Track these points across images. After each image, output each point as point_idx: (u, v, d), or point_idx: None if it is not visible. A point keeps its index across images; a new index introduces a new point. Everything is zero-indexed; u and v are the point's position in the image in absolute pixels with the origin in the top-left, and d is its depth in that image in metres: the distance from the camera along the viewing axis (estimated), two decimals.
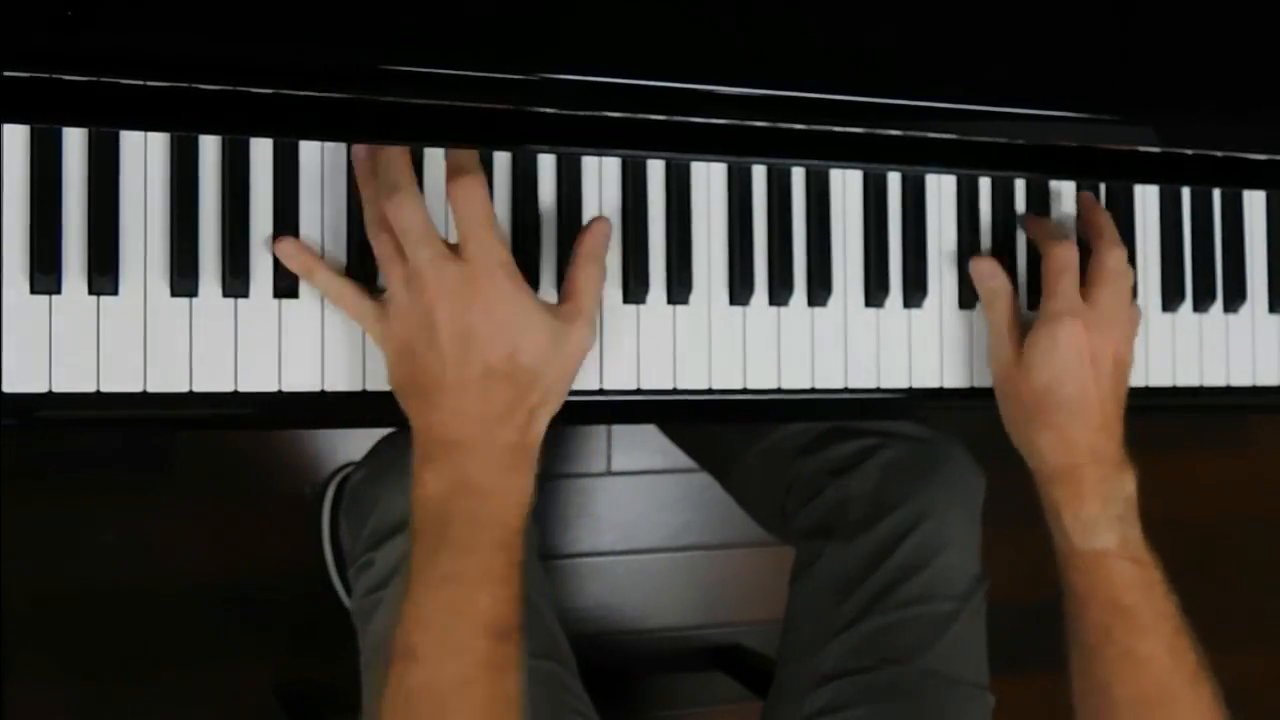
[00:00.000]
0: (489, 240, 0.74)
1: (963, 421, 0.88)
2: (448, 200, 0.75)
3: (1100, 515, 0.84)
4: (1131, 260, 0.96)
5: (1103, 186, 0.96)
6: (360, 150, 0.78)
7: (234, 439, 1.44)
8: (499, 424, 0.74)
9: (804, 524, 1.06)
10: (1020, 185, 0.94)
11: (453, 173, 0.75)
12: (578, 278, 0.79)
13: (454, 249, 0.74)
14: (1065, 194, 0.95)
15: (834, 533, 1.03)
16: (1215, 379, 0.98)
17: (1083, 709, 0.86)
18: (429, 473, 0.74)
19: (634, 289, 0.85)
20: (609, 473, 1.58)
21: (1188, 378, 0.97)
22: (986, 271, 0.89)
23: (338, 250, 0.80)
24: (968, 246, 0.92)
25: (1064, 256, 0.87)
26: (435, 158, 0.81)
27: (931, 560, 0.99)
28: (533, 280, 0.83)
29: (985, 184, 0.93)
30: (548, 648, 0.93)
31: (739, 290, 0.87)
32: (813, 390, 0.89)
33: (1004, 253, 0.93)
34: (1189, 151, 0.97)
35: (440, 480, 0.73)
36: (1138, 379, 0.94)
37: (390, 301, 0.75)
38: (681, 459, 1.39)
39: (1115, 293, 0.87)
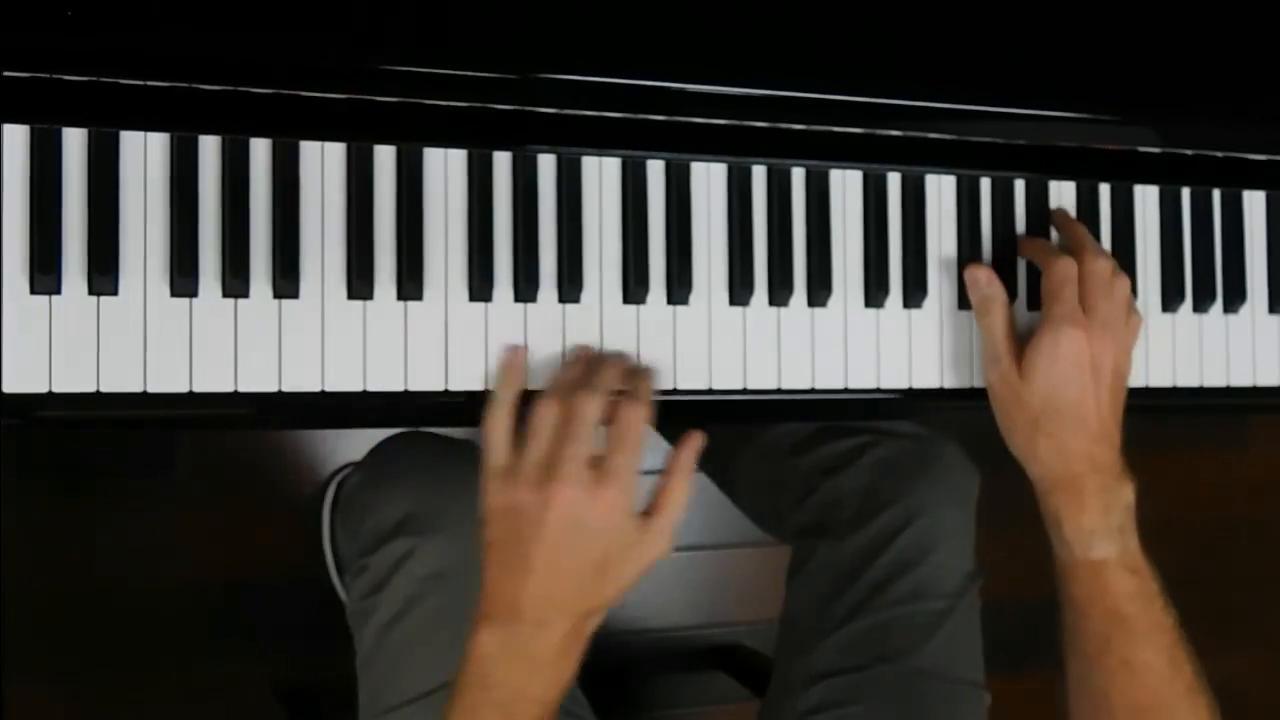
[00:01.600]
0: (631, 466, 0.78)
1: (962, 421, 0.87)
2: (616, 413, 0.79)
3: (1100, 525, 0.84)
4: (1131, 260, 0.96)
5: (1103, 186, 0.96)
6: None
7: (234, 439, 1.44)
8: (569, 615, 0.77)
9: (798, 523, 1.06)
10: (1020, 185, 0.94)
11: (631, 396, 0.79)
12: (672, 491, 0.80)
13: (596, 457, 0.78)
14: (1065, 194, 0.95)
15: (827, 531, 1.03)
16: (1215, 379, 0.98)
17: (1079, 717, 0.86)
18: (488, 634, 0.77)
19: (634, 289, 0.85)
20: None
21: (1188, 378, 0.97)
22: (982, 279, 0.89)
23: (335, 250, 0.80)
24: (968, 247, 0.92)
25: (1065, 269, 0.86)
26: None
27: (924, 558, 0.99)
28: (532, 281, 0.83)
29: (985, 184, 0.93)
30: None
31: (739, 290, 0.87)
32: (813, 390, 0.89)
33: (1004, 254, 0.93)
34: (1189, 151, 0.97)
35: (499, 645, 0.77)
36: (1138, 379, 0.94)
37: (520, 466, 0.77)
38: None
39: (1112, 300, 0.87)
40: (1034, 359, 0.85)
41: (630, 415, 0.78)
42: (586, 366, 0.81)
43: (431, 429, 1.01)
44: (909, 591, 0.99)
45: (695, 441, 0.81)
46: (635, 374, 0.83)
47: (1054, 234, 0.94)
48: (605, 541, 0.77)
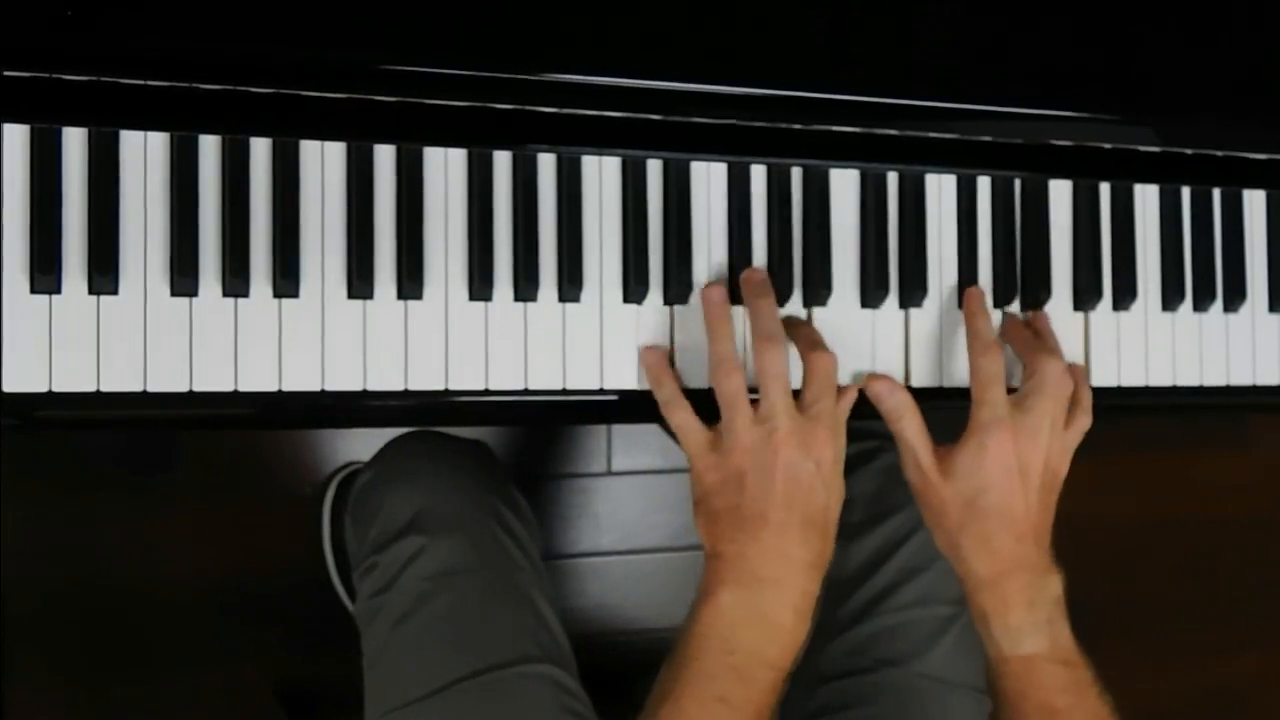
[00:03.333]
0: (834, 405, 0.82)
1: (962, 422, 0.87)
2: (804, 364, 0.83)
3: (1026, 620, 0.83)
4: (1131, 260, 0.96)
5: (1103, 186, 0.96)
6: (715, 293, 0.84)
7: (234, 439, 1.44)
8: (806, 571, 0.80)
9: None
10: (1019, 184, 0.94)
11: (815, 344, 0.84)
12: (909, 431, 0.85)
13: (798, 402, 0.82)
14: (1064, 194, 0.95)
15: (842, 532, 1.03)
16: (1215, 379, 0.98)
17: None
18: (731, 596, 0.79)
19: (634, 289, 0.85)
20: (609, 473, 1.58)
21: (1188, 378, 0.97)
22: (884, 390, 0.86)
23: (335, 249, 0.80)
24: (966, 246, 0.92)
25: (990, 368, 0.85)
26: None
27: (931, 564, 0.99)
28: (532, 281, 0.83)
29: (984, 183, 0.93)
30: (548, 650, 0.93)
31: (739, 290, 0.87)
32: None
33: (1003, 252, 0.93)
34: (1189, 151, 0.97)
35: (741, 607, 0.79)
36: (1139, 379, 0.95)
37: (730, 433, 0.81)
38: (681, 459, 1.39)
39: (1050, 402, 0.85)
40: (958, 462, 0.84)
41: (821, 363, 0.82)
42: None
43: (441, 428, 1.01)
44: (916, 597, 0.99)
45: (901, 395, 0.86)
46: (794, 323, 0.87)
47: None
48: (828, 491, 0.81)
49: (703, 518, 0.82)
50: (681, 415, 0.83)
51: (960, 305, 0.92)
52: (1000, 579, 0.84)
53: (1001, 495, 0.84)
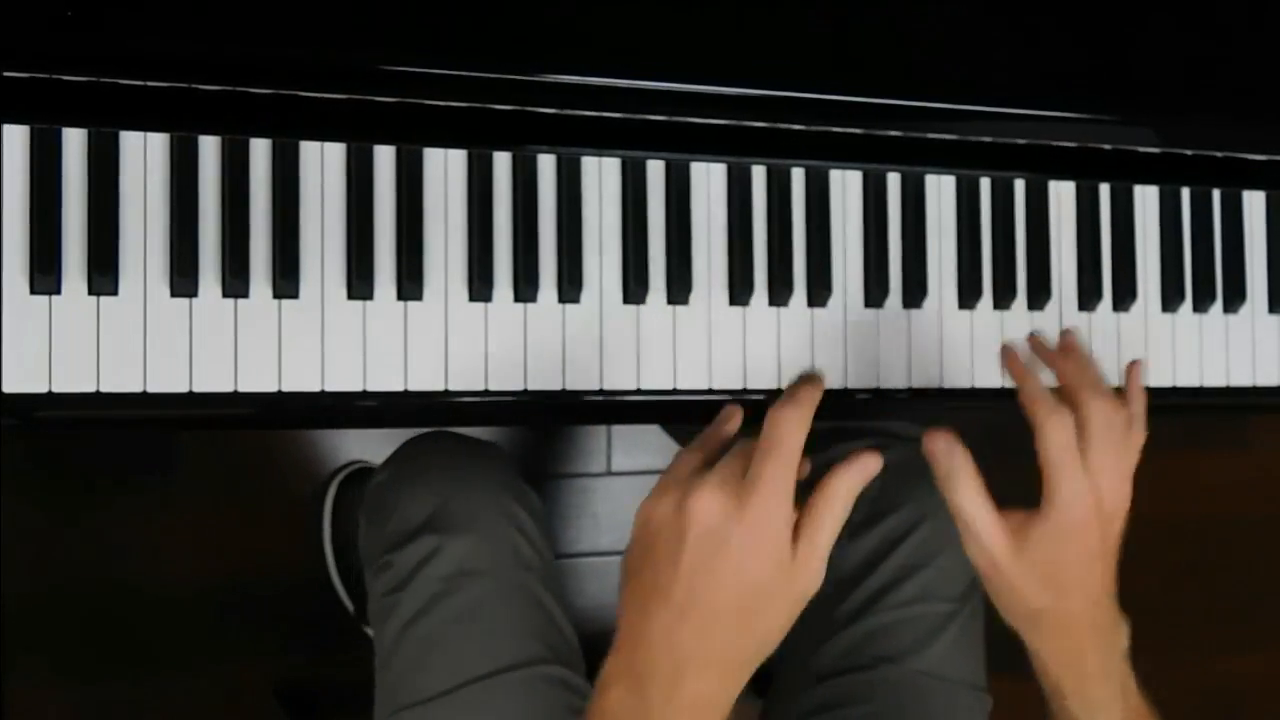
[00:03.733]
0: (780, 476, 0.68)
1: (962, 422, 0.87)
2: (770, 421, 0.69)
3: (1103, 692, 0.78)
4: (1131, 260, 0.96)
5: (1103, 186, 0.96)
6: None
7: (234, 439, 1.44)
8: (713, 669, 0.68)
9: None
10: (1020, 185, 0.94)
11: (787, 396, 0.70)
12: (819, 511, 0.69)
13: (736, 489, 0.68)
14: (1065, 194, 0.95)
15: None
16: (1215, 379, 0.98)
17: None
18: (619, 695, 0.68)
19: (634, 289, 0.85)
20: (609, 473, 1.58)
21: (1188, 378, 0.97)
22: (940, 449, 0.75)
23: (335, 250, 0.80)
24: (967, 247, 0.92)
25: (1062, 436, 0.75)
26: None
27: (931, 560, 0.99)
28: (532, 281, 0.83)
29: (985, 184, 0.93)
30: (557, 650, 0.93)
31: (739, 290, 0.87)
32: None
33: (1003, 253, 0.93)
34: (1189, 151, 0.97)
35: (628, 710, 0.67)
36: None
37: (667, 481, 0.69)
38: None
39: (1118, 443, 0.77)
40: (1037, 543, 0.75)
41: (778, 415, 0.68)
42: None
43: (456, 429, 1.01)
44: (915, 594, 0.99)
45: (870, 464, 0.70)
46: (803, 380, 0.72)
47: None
48: (754, 568, 0.66)
49: (625, 569, 0.70)
50: (684, 458, 0.71)
51: (961, 306, 0.92)
52: (1078, 659, 0.77)
53: (1084, 569, 0.76)
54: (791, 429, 0.68)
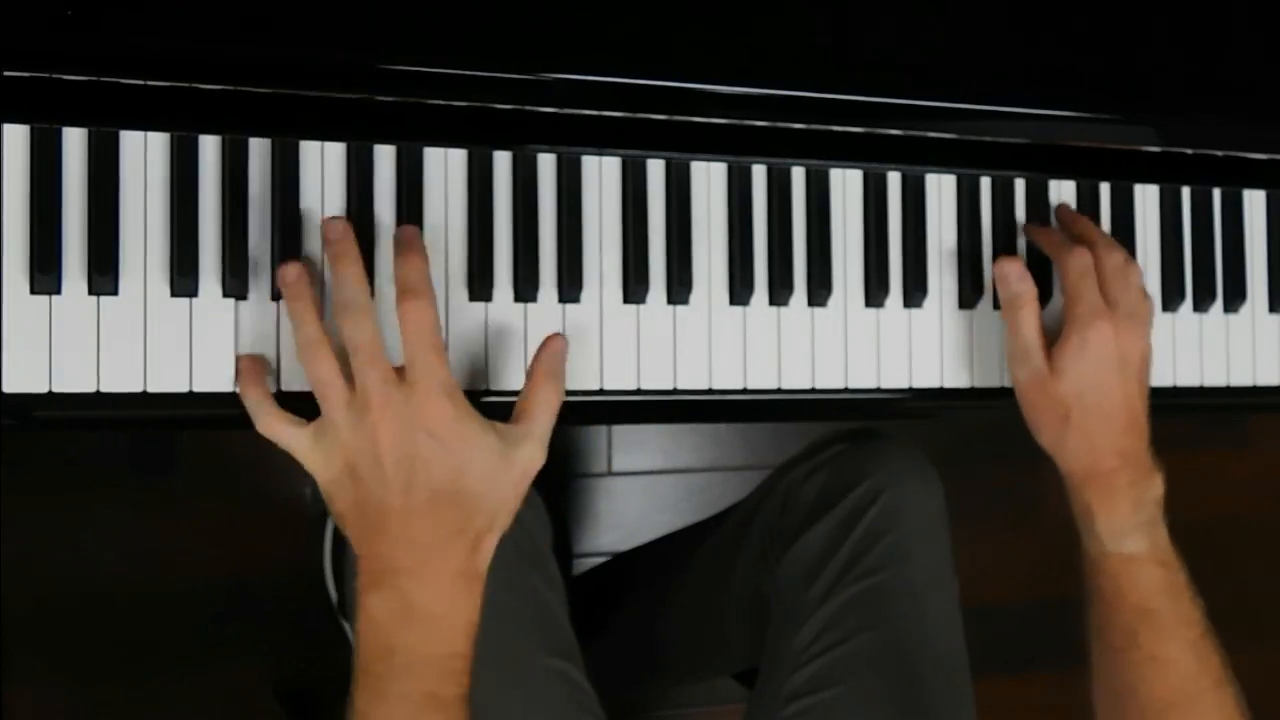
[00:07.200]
0: (435, 363, 0.72)
1: (962, 421, 0.87)
2: (398, 319, 0.73)
3: (1130, 520, 0.84)
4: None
5: (1103, 186, 0.96)
6: (289, 272, 0.74)
7: (234, 439, 1.44)
8: (445, 550, 0.72)
9: (778, 553, 1.05)
10: (1020, 185, 0.94)
11: (404, 293, 0.73)
12: (533, 398, 0.76)
13: (399, 371, 0.72)
14: (1065, 193, 0.95)
15: (799, 526, 1.02)
16: (1215, 379, 0.98)
17: (1104, 710, 0.86)
18: (374, 599, 0.72)
19: (634, 289, 0.85)
20: (609, 473, 1.58)
21: (1188, 378, 0.97)
22: (1013, 275, 0.87)
23: None
24: (968, 246, 0.92)
25: (1082, 263, 0.86)
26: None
27: (894, 525, 0.99)
28: (532, 281, 0.83)
29: (985, 183, 0.93)
30: (560, 645, 0.93)
31: (739, 290, 0.87)
32: (813, 390, 0.89)
33: (1003, 253, 0.93)
34: (1189, 151, 0.97)
35: (386, 608, 0.72)
36: None
37: (329, 426, 0.72)
38: (681, 459, 1.39)
39: (1131, 289, 0.87)
40: (1063, 356, 0.85)
41: (412, 314, 0.72)
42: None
43: None
44: (882, 560, 0.98)
45: (556, 343, 0.78)
46: (401, 262, 0.74)
47: (1055, 226, 0.94)
48: (451, 456, 0.71)
49: (340, 523, 0.74)
50: (270, 423, 0.74)
51: (961, 306, 0.92)
52: (1107, 475, 0.84)
53: (1106, 389, 0.84)
54: (421, 319, 0.72)
